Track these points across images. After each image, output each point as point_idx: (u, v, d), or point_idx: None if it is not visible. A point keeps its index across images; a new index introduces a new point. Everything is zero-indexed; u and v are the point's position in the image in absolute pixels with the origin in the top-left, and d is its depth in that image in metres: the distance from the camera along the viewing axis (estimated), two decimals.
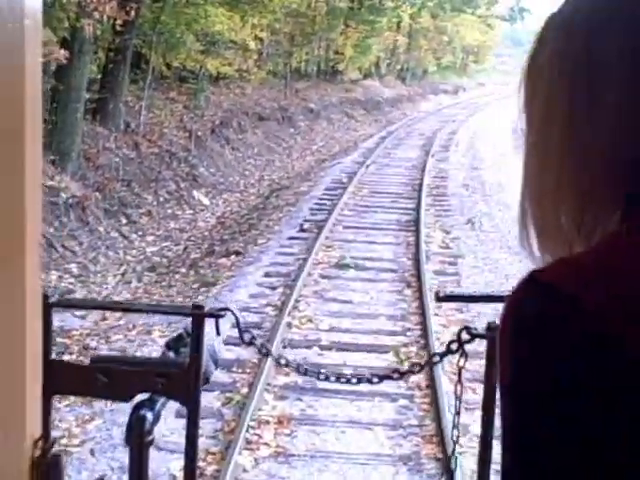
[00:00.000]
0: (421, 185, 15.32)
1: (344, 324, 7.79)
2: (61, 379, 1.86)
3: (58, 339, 7.21)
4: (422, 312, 8.09)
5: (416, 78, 43.49)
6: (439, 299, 1.51)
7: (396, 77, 40.35)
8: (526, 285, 0.72)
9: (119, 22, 12.85)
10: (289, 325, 7.56)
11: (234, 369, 6.53)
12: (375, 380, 2.43)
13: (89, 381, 1.88)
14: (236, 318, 2.08)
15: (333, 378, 2.54)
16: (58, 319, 8.31)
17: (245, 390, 6.13)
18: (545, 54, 0.76)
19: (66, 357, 7.00)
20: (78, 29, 11.41)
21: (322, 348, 7.10)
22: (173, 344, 2.03)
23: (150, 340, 7.04)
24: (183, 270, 10.29)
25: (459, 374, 2.03)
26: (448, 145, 22.46)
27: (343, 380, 2.57)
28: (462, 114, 32.24)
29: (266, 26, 21.83)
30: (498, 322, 1.43)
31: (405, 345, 7.28)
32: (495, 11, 46.61)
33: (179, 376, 1.91)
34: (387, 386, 6.44)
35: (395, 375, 2.34)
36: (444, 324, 7.89)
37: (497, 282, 9.49)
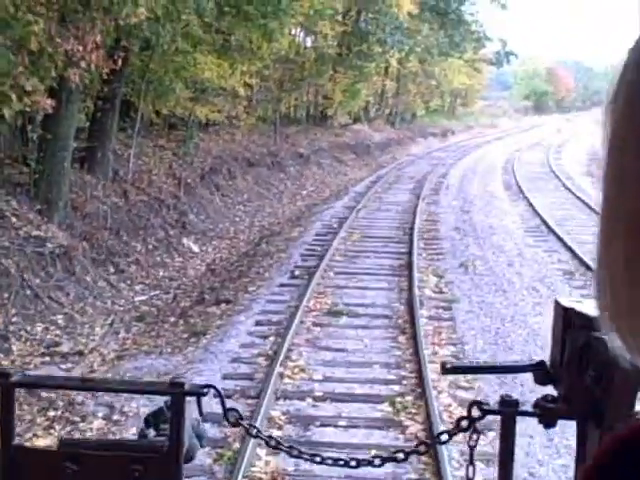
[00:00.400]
0: (412, 229, 15.21)
1: (338, 373, 7.59)
2: (24, 467, 1.65)
3: (43, 394, 7.00)
4: (417, 359, 7.90)
5: (405, 122, 43.73)
6: (446, 371, 1.34)
7: (385, 121, 40.55)
8: (614, 452, 0.57)
9: (106, 71, 12.79)
10: (281, 376, 7.36)
11: (224, 423, 6.31)
12: (377, 462, 2.20)
13: (56, 469, 1.67)
14: (220, 396, 1.88)
15: (330, 461, 2.30)
16: (44, 370, 8.08)
17: (237, 445, 5.91)
18: (621, 95, 0.59)
19: (51, 413, 6.78)
20: (65, 78, 11.33)
21: (316, 399, 6.89)
22: (153, 419, 1.83)
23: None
24: (172, 319, 10.08)
25: (471, 455, 1.83)
26: (438, 188, 22.43)
27: (341, 463, 2.34)
28: (451, 157, 32.33)
29: (255, 72, 21.89)
30: (511, 396, 1.27)
31: (401, 394, 7.07)
32: (482, 55, 47.06)
33: (158, 461, 1.71)
34: (383, 438, 6.24)
35: (400, 456, 2.13)
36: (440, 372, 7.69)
37: (493, 327, 9.32)
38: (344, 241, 14.14)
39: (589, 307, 1.28)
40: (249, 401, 6.73)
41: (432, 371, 7.60)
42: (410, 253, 12.90)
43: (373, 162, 30.59)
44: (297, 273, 11.56)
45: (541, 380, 1.33)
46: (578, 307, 1.28)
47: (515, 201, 20.30)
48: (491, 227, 16.19)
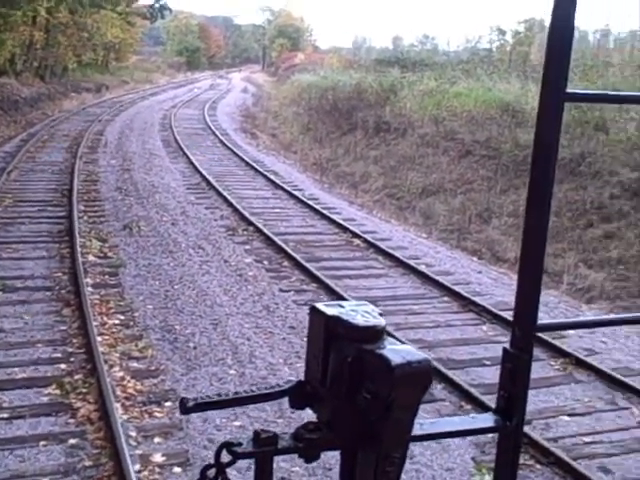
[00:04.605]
0: (71, 190, 14.41)
1: None
2: None
3: None
4: (85, 333, 7.44)
5: (56, 76, 41.38)
6: (186, 410, 1.04)
7: (34, 74, 38.01)
8: None
9: None
10: None
11: None
12: None
13: None
14: None
15: None
16: None
17: None
18: None
19: None
20: None
21: None
22: None
23: None
24: None
25: None
26: (96, 146, 21.53)
27: None
28: (107, 113, 31.21)
29: None
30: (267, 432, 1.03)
31: (70, 374, 6.59)
32: (135, 8, 45.89)
33: None
34: (52, 425, 5.76)
35: None
36: (111, 344, 7.33)
37: (162, 290, 9.11)
38: None
39: (355, 314, 1.07)
40: None
41: (102, 344, 7.21)
42: (70, 217, 12.18)
43: (22, 119, 28.52)
44: None
45: (298, 403, 1.10)
46: (344, 315, 1.06)
47: (175, 158, 20.16)
48: (153, 185, 15.89)
